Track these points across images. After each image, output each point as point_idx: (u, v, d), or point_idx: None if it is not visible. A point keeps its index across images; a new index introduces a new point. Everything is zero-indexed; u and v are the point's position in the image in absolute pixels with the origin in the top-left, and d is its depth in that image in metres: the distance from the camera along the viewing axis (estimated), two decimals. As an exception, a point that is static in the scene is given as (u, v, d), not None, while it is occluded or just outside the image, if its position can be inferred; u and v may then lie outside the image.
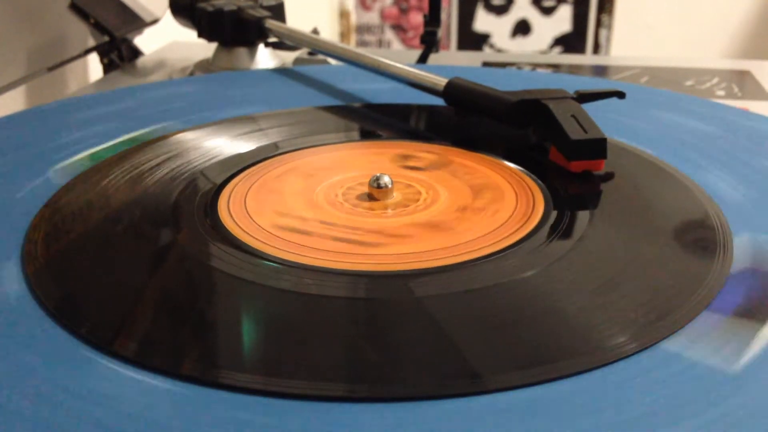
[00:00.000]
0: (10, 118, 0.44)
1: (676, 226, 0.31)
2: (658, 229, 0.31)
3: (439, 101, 0.44)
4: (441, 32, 0.64)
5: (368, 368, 0.22)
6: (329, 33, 1.90)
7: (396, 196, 0.34)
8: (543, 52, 1.89)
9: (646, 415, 0.20)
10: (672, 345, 0.23)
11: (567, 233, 0.30)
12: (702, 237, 0.30)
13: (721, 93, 0.62)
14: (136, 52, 0.72)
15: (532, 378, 0.21)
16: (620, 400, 0.21)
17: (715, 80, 0.65)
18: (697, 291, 0.26)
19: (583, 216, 0.31)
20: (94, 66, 0.74)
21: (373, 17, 2.00)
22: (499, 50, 1.90)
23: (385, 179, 0.33)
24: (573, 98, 0.38)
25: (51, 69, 0.65)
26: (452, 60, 0.74)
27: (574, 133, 0.35)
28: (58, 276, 0.27)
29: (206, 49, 0.68)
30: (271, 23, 0.59)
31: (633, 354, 0.22)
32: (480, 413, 0.20)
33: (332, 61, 0.61)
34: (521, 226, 0.31)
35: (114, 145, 0.39)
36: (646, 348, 0.23)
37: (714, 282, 0.26)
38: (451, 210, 0.33)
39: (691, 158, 0.37)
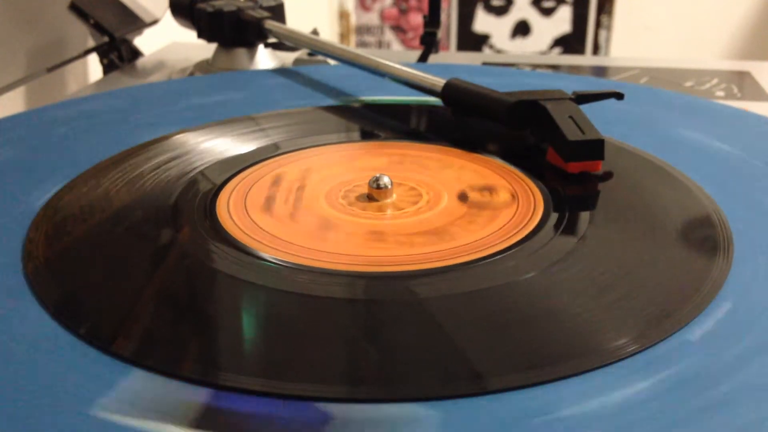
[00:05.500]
0: (9, 120, 0.44)
1: (677, 226, 0.31)
2: (658, 229, 0.31)
3: (438, 101, 0.44)
4: (440, 33, 0.64)
5: (369, 369, 0.22)
6: (329, 34, 1.90)
7: (396, 197, 0.34)
8: (542, 53, 1.89)
9: (648, 415, 0.20)
10: (673, 345, 0.23)
11: (567, 234, 0.30)
12: (702, 236, 0.30)
13: (721, 94, 0.62)
14: (135, 53, 0.72)
15: (533, 379, 0.21)
16: (622, 401, 0.21)
17: (715, 81, 0.66)
18: (699, 291, 0.26)
19: (583, 217, 0.31)
20: (93, 67, 0.74)
21: (372, 18, 2.00)
22: (499, 51, 1.90)
23: (385, 180, 0.33)
24: (571, 99, 0.38)
25: (50, 70, 0.65)
26: (452, 61, 0.74)
27: (572, 134, 0.35)
28: (57, 275, 0.27)
29: (206, 49, 0.68)
30: (271, 24, 0.59)
31: (634, 354, 0.22)
32: (482, 414, 0.20)
33: (332, 62, 0.61)
34: (521, 228, 0.31)
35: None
36: (647, 348, 0.23)
37: (715, 282, 0.26)
38: (451, 211, 0.33)
39: (690, 158, 0.37)
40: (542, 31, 1.90)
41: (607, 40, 1.88)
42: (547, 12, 1.89)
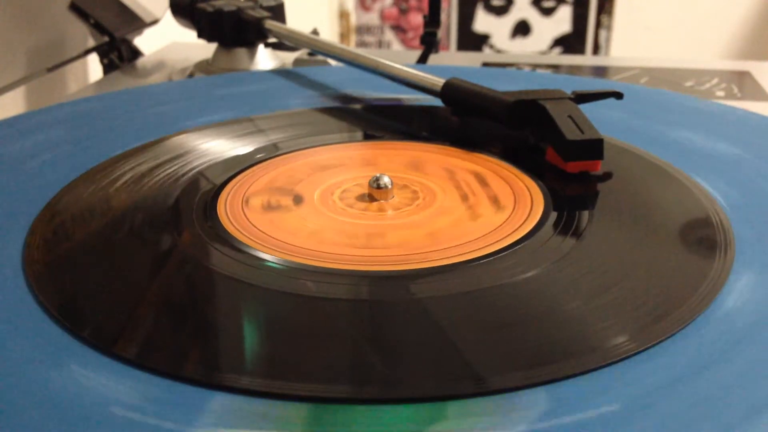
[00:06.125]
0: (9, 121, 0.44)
1: (676, 225, 0.31)
2: (657, 229, 0.31)
3: (438, 102, 0.44)
4: (441, 33, 0.64)
5: (369, 370, 0.22)
6: (329, 34, 1.90)
7: (396, 196, 0.34)
8: (543, 53, 1.89)
9: (648, 414, 0.20)
10: (673, 345, 0.23)
11: (566, 234, 0.30)
12: (702, 236, 0.30)
13: (721, 94, 0.62)
14: (135, 53, 0.72)
15: (533, 379, 0.21)
16: (622, 401, 0.21)
17: (715, 81, 0.66)
18: (698, 290, 0.26)
19: (582, 216, 0.31)
20: (93, 66, 0.74)
21: (372, 18, 2.00)
22: (499, 51, 1.90)
23: (385, 180, 0.33)
24: (570, 99, 0.38)
25: (51, 69, 0.65)
26: (452, 61, 0.75)
27: (571, 133, 0.35)
28: (58, 279, 0.27)
29: (206, 49, 0.68)
30: (271, 24, 0.59)
31: (634, 354, 0.22)
32: (481, 415, 0.20)
33: (332, 62, 0.61)
34: (520, 227, 0.31)
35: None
36: (646, 348, 0.23)
37: (715, 281, 0.26)
38: (450, 211, 0.33)
39: (690, 158, 0.37)
40: (542, 31, 1.90)
41: (607, 40, 1.88)
42: (547, 12, 1.89)
